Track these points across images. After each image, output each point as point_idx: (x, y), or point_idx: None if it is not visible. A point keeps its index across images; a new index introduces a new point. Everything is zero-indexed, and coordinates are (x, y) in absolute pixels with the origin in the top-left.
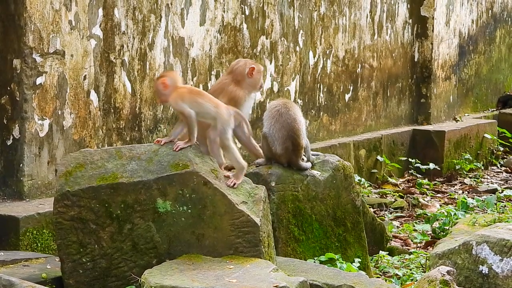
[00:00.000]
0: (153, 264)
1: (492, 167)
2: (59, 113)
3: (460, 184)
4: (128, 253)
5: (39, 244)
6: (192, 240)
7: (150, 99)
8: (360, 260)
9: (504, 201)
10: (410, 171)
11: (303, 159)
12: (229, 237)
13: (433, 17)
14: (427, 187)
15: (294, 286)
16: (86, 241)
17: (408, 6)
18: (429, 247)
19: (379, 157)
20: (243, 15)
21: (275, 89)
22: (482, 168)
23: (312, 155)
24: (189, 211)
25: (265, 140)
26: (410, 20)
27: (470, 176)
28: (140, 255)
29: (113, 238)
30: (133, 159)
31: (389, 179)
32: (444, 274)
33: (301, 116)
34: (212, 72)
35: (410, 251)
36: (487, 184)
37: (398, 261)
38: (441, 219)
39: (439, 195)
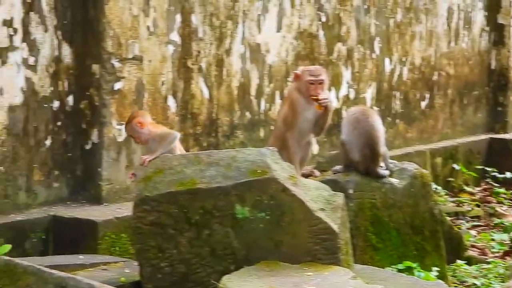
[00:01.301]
0: (231, 270)
1: None
2: None
3: None
4: (206, 258)
5: (117, 248)
6: (270, 247)
7: (227, 105)
8: (438, 269)
9: None
10: (486, 180)
11: (381, 166)
12: (307, 244)
13: (510, 25)
14: (504, 196)
15: None
16: (165, 246)
17: (485, 14)
18: (507, 257)
19: (455, 165)
20: (320, 22)
21: (351, 96)
22: None
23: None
24: (267, 217)
25: (343, 147)
26: (487, 27)
27: None
28: (218, 261)
29: (191, 244)
30: (211, 165)
31: (466, 187)
32: None
33: (380, 123)
34: (289, 79)
35: (488, 260)
36: None
37: (476, 271)
38: None
39: None
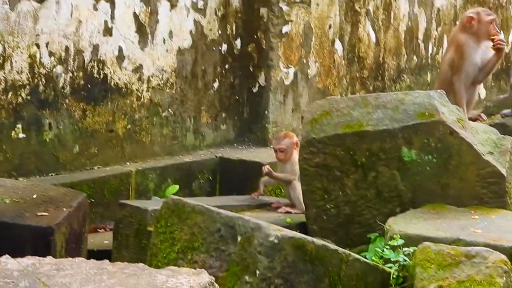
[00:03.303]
0: (397, 212)
1: None
2: (304, 62)
3: None
4: (372, 200)
5: (283, 190)
6: (437, 190)
7: (394, 49)
8: None
9: None
10: None
11: None
12: (474, 187)
13: None
14: None
15: None
16: (331, 188)
17: None
18: None
19: None
20: None
21: None
22: None
23: None
24: (434, 160)
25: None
26: None
27: None
28: (383, 203)
29: (357, 186)
30: (378, 107)
31: None
32: None
33: None
34: (457, 22)
35: None
36: None
37: None
38: None
39: None
